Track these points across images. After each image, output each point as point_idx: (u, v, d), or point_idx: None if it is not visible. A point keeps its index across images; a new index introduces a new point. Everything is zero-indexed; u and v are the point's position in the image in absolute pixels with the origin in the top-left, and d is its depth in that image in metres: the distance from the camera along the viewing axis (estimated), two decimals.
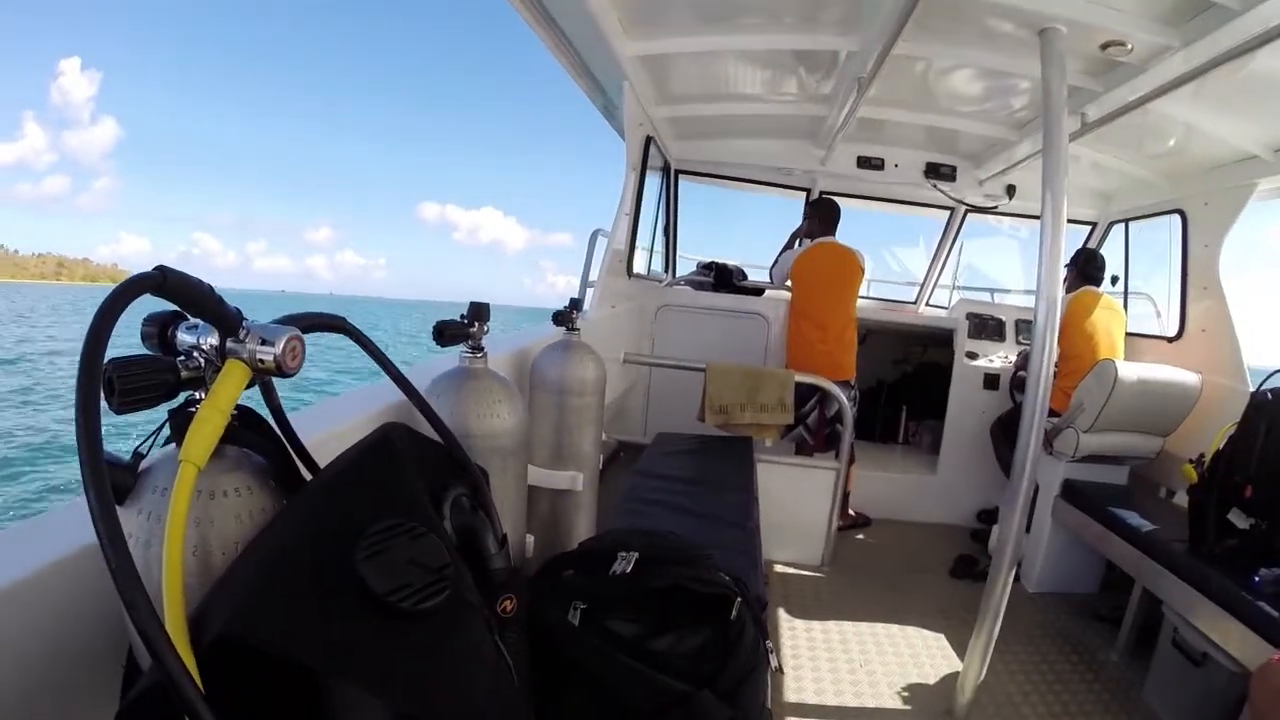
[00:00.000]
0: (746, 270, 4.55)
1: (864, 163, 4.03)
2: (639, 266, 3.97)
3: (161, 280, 0.56)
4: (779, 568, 3.15)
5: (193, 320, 0.64)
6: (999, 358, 3.99)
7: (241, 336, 0.63)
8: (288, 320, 0.69)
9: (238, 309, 0.64)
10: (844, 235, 3.54)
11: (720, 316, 4.08)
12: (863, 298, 3.92)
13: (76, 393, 0.48)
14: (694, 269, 4.70)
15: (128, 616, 0.45)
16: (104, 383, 0.55)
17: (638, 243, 3.90)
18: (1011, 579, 2.01)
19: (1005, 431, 3.65)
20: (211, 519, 0.60)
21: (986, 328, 4.05)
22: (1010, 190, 4.10)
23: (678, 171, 4.44)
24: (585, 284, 3.27)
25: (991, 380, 3.92)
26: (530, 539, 1.57)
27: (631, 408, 4.04)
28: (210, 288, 0.61)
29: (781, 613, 2.74)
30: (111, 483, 0.54)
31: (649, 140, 3.55)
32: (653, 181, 4.13)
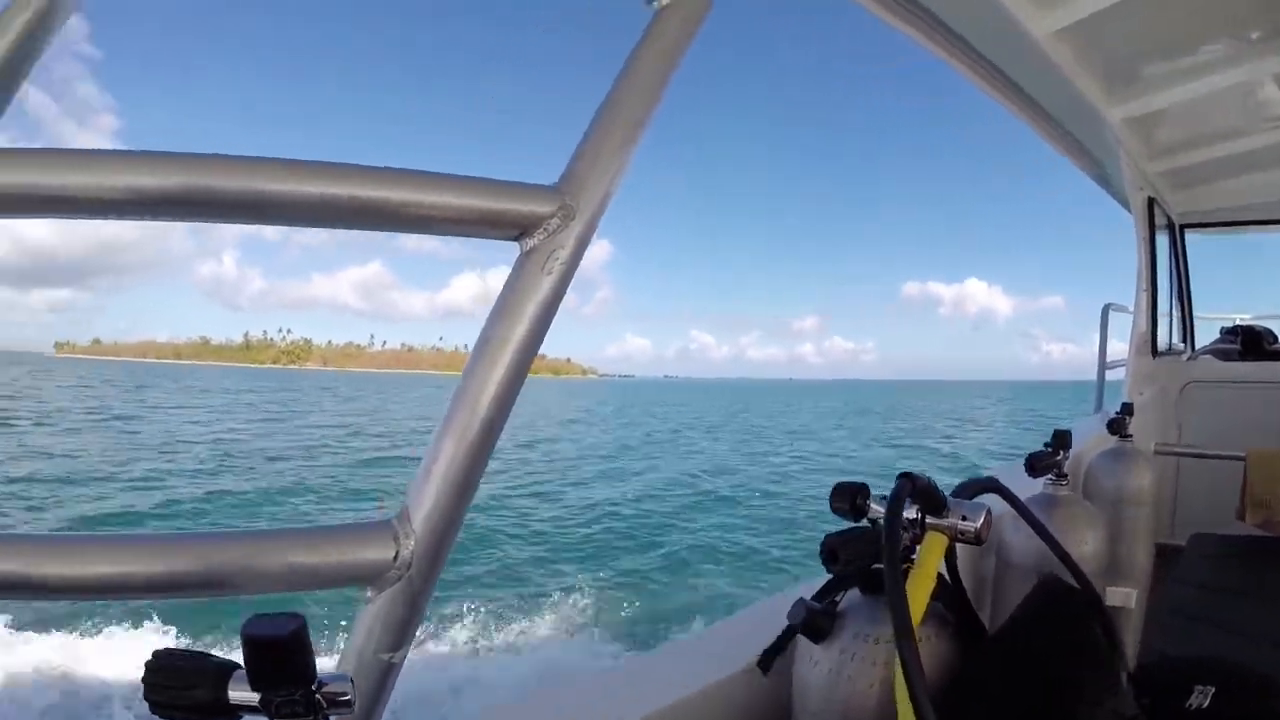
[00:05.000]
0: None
1: None
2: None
3: (913, 486, 0.73)
4: None
5: (880, 492, 0.77)
6: None
7: (944, 514, 0.75)
8: (957, 491, 0.85)
9: (943, 493, 0.77)
10: None
11: (1254, 389, 3.38)
12: None
13: (887, 574, 0.65)
14: (1216, 336, 4.00)
15: None
16: (827, 553, 0.71)
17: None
18: None
19: None
20: None
21: None
22: None
23: (1183, 227, 3.84)
24: (1103, 367, 3.03)
25: None
26: None
27: (1158, 501, 3.44)
28: (933, 483, 0.75)
29: None
30: (814, 623, 0.71)
31: (1151, 202, 3.22)
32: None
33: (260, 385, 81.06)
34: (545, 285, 0.51)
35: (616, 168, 0.53)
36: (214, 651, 0.45)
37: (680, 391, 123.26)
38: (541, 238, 0.51)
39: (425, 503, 0.48)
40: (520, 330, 0.50)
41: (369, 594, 0.49)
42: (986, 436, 29.07)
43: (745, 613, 1.07)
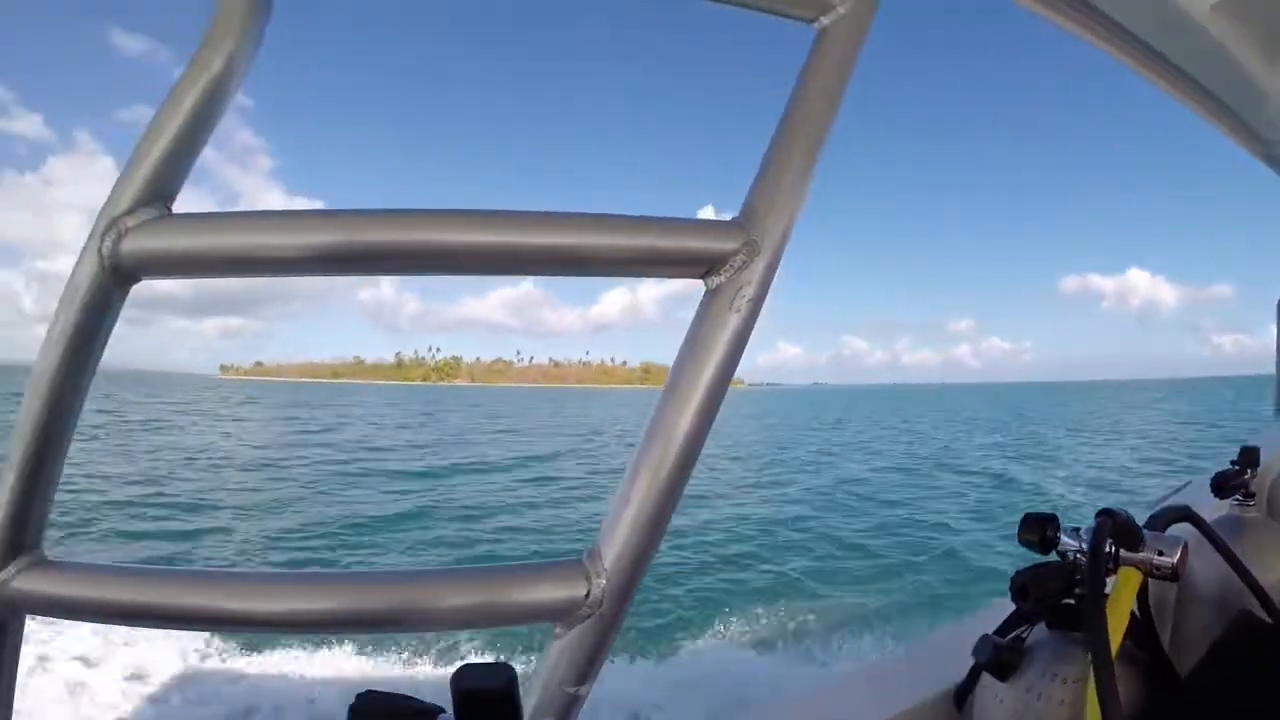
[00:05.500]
0: None
1: None
2: None
3: (1112, 523, 0.73)
4: None
5: (1072, 525, 0.76)
6: None
7: (1139, 548, 0.74)
8: (1150, 522, 0.83)
9: (1139, 527, 0.76)
10: None
11: None
12: None
13: (1088, 618, 0.64)
14: None
15: None
16: (1017, 589, 0.70)
17: None
18: None
19: None
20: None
21: None
22: None
23: None
24: None
25: None
26: None
27: None
28: (1131, 518, 0.74)
29: None
30: (1000, 661, 0.70)
31: None
32: None
33: (369, 400, 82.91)
34: (733, 323, 0.51)
35: (797, 199, 0.52)
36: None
37: (812, 399, 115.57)
38: (728, 275, 0.51)
39: (617, 542, 0.49)
40: (710, 369, 0.50)
41: (557, 629, 0.50)
42: (1098, 457, 21.98)
43: (928, 642, 1.11)
